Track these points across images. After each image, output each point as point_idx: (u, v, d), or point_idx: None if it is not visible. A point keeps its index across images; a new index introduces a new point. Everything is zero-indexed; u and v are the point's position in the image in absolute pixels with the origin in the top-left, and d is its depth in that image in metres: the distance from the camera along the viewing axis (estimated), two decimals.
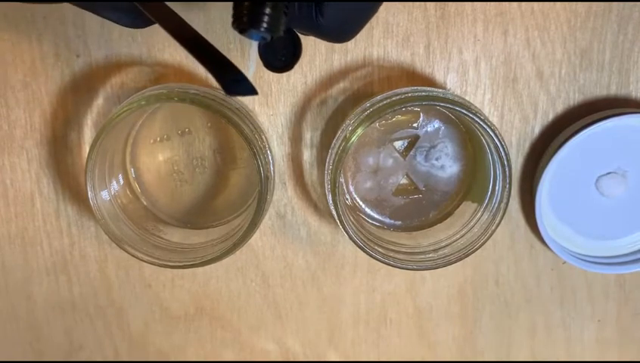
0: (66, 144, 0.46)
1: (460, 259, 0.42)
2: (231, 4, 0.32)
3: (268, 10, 0.31)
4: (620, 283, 0.50)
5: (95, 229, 0.48)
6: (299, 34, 0.36)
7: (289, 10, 0.33)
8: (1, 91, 0.45)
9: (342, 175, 0.44)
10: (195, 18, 0.43)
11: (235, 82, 0.32)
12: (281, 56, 0.37)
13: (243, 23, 0.32)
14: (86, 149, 0.46)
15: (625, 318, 0.51)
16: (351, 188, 0.46)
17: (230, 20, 0.32)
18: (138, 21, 0.37)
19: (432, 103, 0.40)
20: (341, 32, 0.36)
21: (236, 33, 0.32)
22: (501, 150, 0.40)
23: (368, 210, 0.46)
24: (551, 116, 0.45)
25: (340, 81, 0.45)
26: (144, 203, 0.47)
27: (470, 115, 0.40)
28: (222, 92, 0.43)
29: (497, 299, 0.50)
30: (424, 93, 0.41)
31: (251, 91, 0.33)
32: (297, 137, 0.46)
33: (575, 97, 0.45)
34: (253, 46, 0.42)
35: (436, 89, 0.43)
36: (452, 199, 0.46)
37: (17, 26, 0.44)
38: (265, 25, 0.31)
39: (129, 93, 0.44)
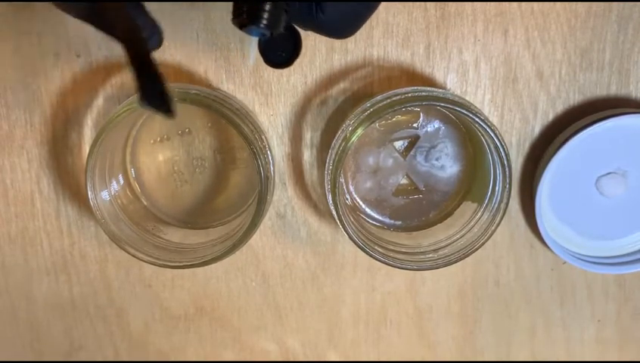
0: (66, 144, 0.46)
1: (460, 259, 0.42)
2: (230, 4, 0.32)
3: (268, 7, 0.31)
4: (620, 283, 0.50)
5: (95, 229, 0.48)
6: (299, 30, 0.36)
7: (289, 6, 0.33)
8: (1, 91, 0.45)
9: (342, 175, 0.44)
10: (195, 18, 0.43)
11: (156, 94, 0.30)
12: (281, 52, 0.37)
13: (244, 19, 0.32)
14: (86, 149, 0.46)
15: (625, 318, 0.51)
16: (351, 188, 0.46)
17: (230, 17, 0.32)
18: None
19: (432, 103, 0.40)
20: (341, 28, 0.36)
21: (236, 33, 0.32)
22: (501, 150, 0.40)
23: (368, 210, 0.46)
24: (551, 116, 0.45)
25: (340, 81, 0.45)
26: (144, 203, 0.47)
27: (471, 115, 0.40)
28: (223, 92, 0.44)
29: (497, 299, 0.50)
30: (424, 93, 0.41)
31: (166, 109, 0.29)
32: (297, 137, 0.46)
33: (575, 97, 0.45)
34: (253, 40, 0.42)
35: (436, 89, 0.43)
36: (452, 199, 0.46)
37: (17, 26, 0.44)
38: (265, 21, 0.31)
39: (129, 93, 0.44)
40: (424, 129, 0.45)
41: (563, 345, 0.52)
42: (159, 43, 0.35)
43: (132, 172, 0.46)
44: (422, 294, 0.50)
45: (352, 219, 0.43)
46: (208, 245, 0.44)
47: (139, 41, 0.30)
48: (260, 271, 0.49)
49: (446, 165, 0.45)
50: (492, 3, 0.43)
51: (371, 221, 0.46)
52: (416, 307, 0.50)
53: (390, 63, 0.44)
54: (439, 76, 0.44)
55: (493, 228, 0.42)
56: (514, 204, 0.47)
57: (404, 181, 0.46)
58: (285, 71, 0.44)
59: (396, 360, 0.52)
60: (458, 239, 0.44)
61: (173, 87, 0.42)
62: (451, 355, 0.52)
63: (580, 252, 0.47)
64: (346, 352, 0.52)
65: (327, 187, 0.41)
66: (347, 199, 0.46)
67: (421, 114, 0.44)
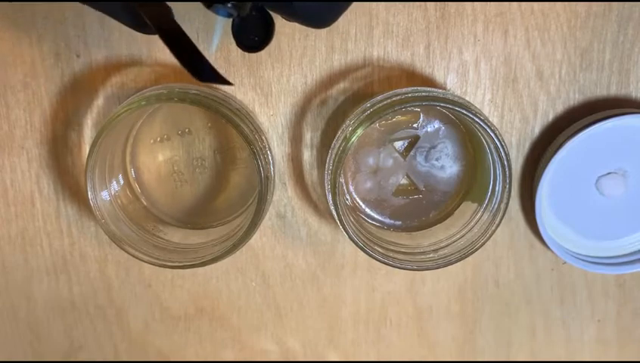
0: (66, 144, 0.46)
1: (460, 259, 0.42)
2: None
3: None
4: (620, 283, 0.50)
5: (95, 229, 0.48)
6: (273, 15, 0.36)
7: None
8: (1, 91, 0.45)
9: (342, 175, 0.44)
10: (195, 18, 0.43)
11: (209, 70, 0.32)
12: (254, 36, 0.37)
13: None
14: (86, 149, 0.46)
15: (625, 318, 0.51)
16: (351, 188, 0.46)
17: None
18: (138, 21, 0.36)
19: (432, 103, 0.40)
20: (317, 16, 0.35)
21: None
22: (501, 150, 0.40)
23: (368, 210, 0.46)
24: (551, 116, 0.45)
25: (340, 81, 0.45)
26: (144, 203, 0.47)
27: (471, 115, 0.40)
28: (223, 92, 0.44)
29: (497, 299, 0.50)
30: (424, 93, 0.41)
31: (223, 79, 0.32)
32: (297, 137, 0.46)
33: (575, 97, 0.45)
34: (217, 27, 0.42)
35: (436, 89, 0.43)
36: (452, 199, 0.46)
37: (17, 26, 0.44)
38: (231, 0, 0.32)
39: (129, 93, 0.45)
40: (424, 129, 0.45)
41: (563, 345, 0.52)
42: None
43: (132, 172, 0.46)
44: (422, 294, 0.50)
45: (352, 219, 0.43)
46: (208, 245, 0.44)
47: (177, 30, 0.31)
48: (260, 271, 0.49)
49: (446, 165, 0.45)
50: (492, 3, 0.43)
51: (371, 221, 0.46)
52: (416, 307, 0.50)
53: (390, 63, 0.44)
54: (439, 76, 0.44)
55: (493, 228, 0.42)
56: (514, 204, 0.47)
57: (404, 181, 0.46)
58: (285, 71, 0.44)
59: (396, 360, 0.52)
60: (458, 239, 0.44)
61: (173, 87, 0.42)
62: (451, 355, 0.52)
63: (580, 252, 0.47)
64: (346, 352, 0.52)
65: (327, 187, 0.41)
66: (347, 199, 0.46)
67: (421, 114, 0.44)
